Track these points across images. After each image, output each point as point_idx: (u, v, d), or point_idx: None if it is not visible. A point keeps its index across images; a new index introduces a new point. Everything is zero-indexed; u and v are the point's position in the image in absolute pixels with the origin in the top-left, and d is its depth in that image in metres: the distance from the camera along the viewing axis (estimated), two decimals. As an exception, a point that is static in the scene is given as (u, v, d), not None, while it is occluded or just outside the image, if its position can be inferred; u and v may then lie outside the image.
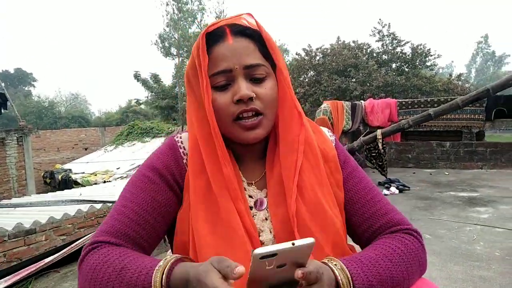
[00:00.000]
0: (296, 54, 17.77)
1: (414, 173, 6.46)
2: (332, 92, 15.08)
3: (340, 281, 0.60)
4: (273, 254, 0.48)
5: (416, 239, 0.74)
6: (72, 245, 2.26)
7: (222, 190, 0.72)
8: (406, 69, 17.22)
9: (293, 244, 0.48)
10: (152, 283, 0.60)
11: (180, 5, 23.69)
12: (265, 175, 0.79)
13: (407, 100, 7.47)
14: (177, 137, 0.83)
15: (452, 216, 3.68)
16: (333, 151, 0.83)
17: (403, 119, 6.61)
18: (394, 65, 17.82)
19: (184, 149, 0.81)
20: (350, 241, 0.82)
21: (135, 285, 0.61)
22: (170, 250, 0.90)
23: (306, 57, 16.48)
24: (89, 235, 2.35)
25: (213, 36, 0.72)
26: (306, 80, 16.58)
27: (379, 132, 4.78)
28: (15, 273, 2.01)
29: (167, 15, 24.24)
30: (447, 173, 6.25)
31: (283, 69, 0.76)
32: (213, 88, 0.72)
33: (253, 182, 0.79)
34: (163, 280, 0.60)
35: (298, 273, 0.53)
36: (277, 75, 0.77)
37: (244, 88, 0.70)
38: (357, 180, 0.82)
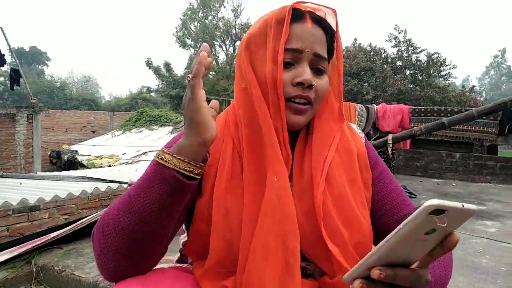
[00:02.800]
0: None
1: (421, 181, 6.40)
2: (344, 94, 15.00)
3: None
4: (442, 211, 0.41)
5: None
6: (77, 223, 2.26)
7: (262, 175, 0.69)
8: (420, 77, 17.11)
9: (462, 205, 0.41)
10: (157, 158, 0.63)
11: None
12: (291, 165, 0.75)
13: (420, 107, 7.38)
14: None
15: (459, 228, 3.63)
16: (363, 149, 0.82)
17: (415, 126, 6.55)
18: (408, 72, 17.70)
19: None
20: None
21: (149, 179, 0.63)
22: (185, 234, 0.87)
23: (321, 57, 16.41)
24: (93, 215, 2.36)
25: (294, 14, 0.71)
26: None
27: (390, 137, 4.73)
28: (20, 245, 2.02)
29: (189, 5, 24.25)
30: (454, 184, 6.18)
31: (341, 69, 0.77)
32: (275, 63, 0.70)
33: None
34: (162, 147, 0.65)
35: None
36: (331, 69, 0.78)
37: (309, 73, 0.70)
38: (387, 182, 0.81)
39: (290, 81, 0.70)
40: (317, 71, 0.73)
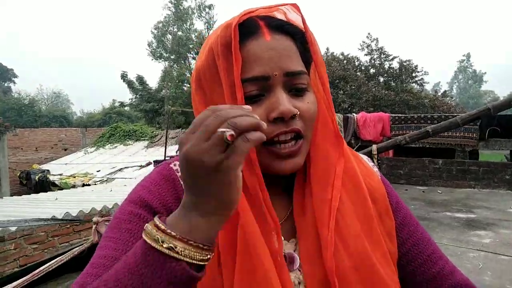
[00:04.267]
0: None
1: (406, 190, 6.36)
2: (320, 103, 15.12)
3: None
4: None
5: None
6: (45, 266, 1.97)
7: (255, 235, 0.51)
8: (393, 84, 17.51)
9: None
10: (145, 235, 0.42)
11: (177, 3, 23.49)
12: (292, 215, 0.59)
13: (401, 115, 7.40)
14: (173, 164, 0.62)
15: (452, 240, 3.56)
16: (382, 189, 0.63)
17: (396, 134, 6.53)
18: (381, 79, 18.08)
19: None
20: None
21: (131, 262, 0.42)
22: None
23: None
24: (51, 262, 2.07)
25: (244, 29, 0.53)
26: (294, 90, 16.63)
27: (374, 147, 4.64)
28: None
29: (164, 18, 24.07)
30: (440, 192, 6.16)
31: (324, 78, 0.58)
32: (234, 102, 0.53)
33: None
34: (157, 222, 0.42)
35: None
36: (313, 80, 0.59)
37: (285, 101, 0.51)
38: (413, 229, 0.65)
39: (265, 119, 0.52)
40: (297, 92, 0.54)
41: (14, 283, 1.89)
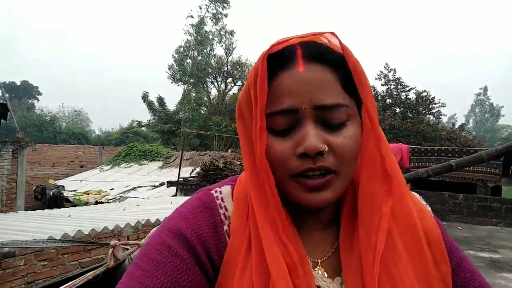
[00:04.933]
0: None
1: (424, 224, 6.18)
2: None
3: None
4: None
5: None
6: None
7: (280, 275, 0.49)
8: (410, 115, 17.45)
9: None
10: None
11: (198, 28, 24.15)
12: (337, 252, 0.56)
13: (420, 147, 7.29)
14: (215, 191, 0.60)
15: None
16: (437, 231, 0.59)
17: (415, 166, 6.41)
18: (398, 110, 18.04)
19: (226, 210, 0.58)
20: None
21: None
22: None
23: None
24: (64, 286, 2.00)
25: (278, 59, 0.52)
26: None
27: (394, 179, 4.54)
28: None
29: (185, 43, 24.76)
30: (460, 228, 5.96)
31: (371, 110, 0.54)
32: (270, 131, 0.52)
33: (318, 261, 0.56)
34: None
35: None
36: (362, 116, 0.56)
37: (312, 137, 0.50)
38: (470, 275, 0.60)
39: (292, 153, 0.51)
40: (333, 126, 0.52)
41: None
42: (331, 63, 0.52)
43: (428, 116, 18.50)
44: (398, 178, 0.55)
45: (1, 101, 12.57)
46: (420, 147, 7.39)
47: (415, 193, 0.66)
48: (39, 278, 4.46)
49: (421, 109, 17.79)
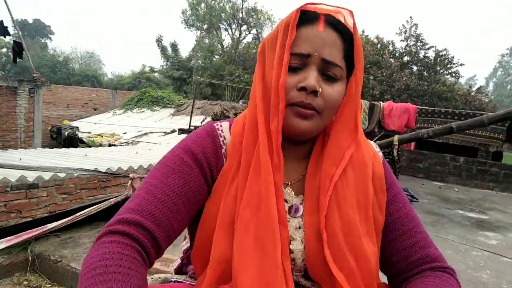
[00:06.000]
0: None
1: (423, 184, 6.36)
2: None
3: None
4: None
5: (456, 281, 0.73)
6: (76, 215, 2.21)
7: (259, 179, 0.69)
8: (427, 74, 16.99)
9: None
10: None
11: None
12: (304, 177, 0.75)
13: (428, 108, 7.29)
14: (217, 124, 0.79)
15: (459, 237, 3.62)
16: (381, 170, 0.78)
17: (421, 126, 6.47)
18: (415, 68, 17.54)
19: (224, 138, 0.77)
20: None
21: None
22: (186, 241, 0.87)
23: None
24: (93, 207, 2.29)
25: (306, 16, 0.69)
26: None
27: (396, 138, 4.66)
28: (17, 235, 1.97)
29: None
30: (457, 190, 6.14)
31: (359, 79, 0.72)
32: (279, 66, 0.69)
33: (289, 183, 0.76)
34: None
35: None
36: (349, 82, 0.73)
37: (313, 78, 0.67)
38: (401, 206, 0.79)
39: (295, 86, 0.68)
40: (329, 78, 0.69)
41: (59, 221, 2.14)
42: (342, 34, 0.69)
43: (446, 76, 18.00)
44: (360, 131, 0.75)
45: (16, 40, 12.57)
46: (427, 108, 7.39)
47: (372, 143, 0.85)
48: (59, 209, 4.83)
49: (438, 68, 17.26)
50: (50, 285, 1.97)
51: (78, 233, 2.44)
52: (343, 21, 0.70)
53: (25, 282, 1.99)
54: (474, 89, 18.11)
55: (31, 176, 4.72)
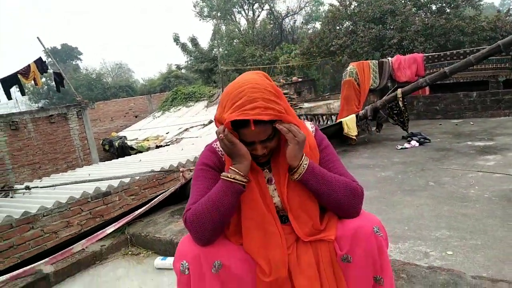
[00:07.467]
0: (330, 5, 17.41)
1: (440, 124, 6.69)
2: (369, 42, 14.71)
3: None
4: None
5: (357, 185, 1.21)
6: (151, 203, 3.09)
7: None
8: (448, 10, 16.22)
9: None
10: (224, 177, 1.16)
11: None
12: (270, 167, 1.32)
13: (434, 54, 7.56)
14: (214, 145, 1.33)
15: (460, 165, 3.98)
16: (313, 139, 1.31)
17: (431, 72, 6.80)
18: (434, 7, 16.81)
19: (221, 152, 1.30)
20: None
21: (218, 191, 1.15)
22: None
23: (341, 7, 16.09)
24: (161, 195, 3.16)
25: (241, 122, 1.12)
26: (342, 31, 16.22)
27: (399, 91, 5.17)
28: (118, 221, 2.85)
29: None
30: (472, 123, 6.41)
31: (293, 121, 1.18)
32: (241, 140, 1.16)
33: (265, 168, 1.32)
34: (225, 173, 1.18)
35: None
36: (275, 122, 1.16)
37: (259, 150, 1.18)
38: (328, 158, 1.32)
39: (251, 150, 1.19)
40: (269, 139, 1.17)
41: (135, 213, 3.03)
42: (266, 123, 1.12)
43: (469, 9, 17.00)
44: (300, 122, 1.24)
45: (55, 71, 13.80)
46: (433, 53, 7.64)
47: (307, 123, 1.34)
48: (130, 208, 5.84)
49: (460, 1, 16.33)
50: (146, 250, 2.81)
51: (154, 216, 3.26)
52: (266, 114, 1.08)
53: (130, 253, 2.83)
54: (502, 12, 16.92)
55: (103, 186, 5.82)
